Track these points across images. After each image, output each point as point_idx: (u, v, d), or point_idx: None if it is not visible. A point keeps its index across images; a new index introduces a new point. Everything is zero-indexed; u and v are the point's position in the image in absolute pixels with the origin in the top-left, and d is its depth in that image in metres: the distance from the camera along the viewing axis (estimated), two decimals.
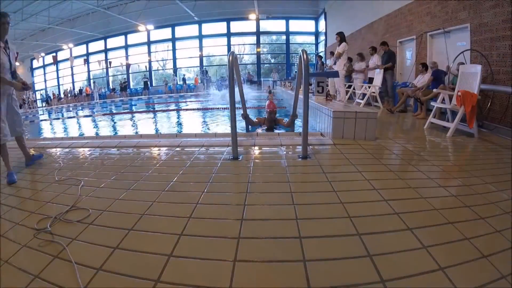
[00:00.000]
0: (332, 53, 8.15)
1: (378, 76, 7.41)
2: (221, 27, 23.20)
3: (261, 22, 22.72)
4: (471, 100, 3.82)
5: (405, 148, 3.26)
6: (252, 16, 21.13)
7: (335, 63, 7.07)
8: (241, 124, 4.60)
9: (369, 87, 7.55)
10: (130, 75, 25.79)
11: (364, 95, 7.76)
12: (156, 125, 7.80)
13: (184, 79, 23.70)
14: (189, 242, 1.46)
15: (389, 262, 1.27)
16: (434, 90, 4.91)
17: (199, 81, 23.04)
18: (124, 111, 12.20)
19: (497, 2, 4.70)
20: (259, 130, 5.13)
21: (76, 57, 24.91)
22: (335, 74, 6.51)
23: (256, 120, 5.10)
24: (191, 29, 23.52)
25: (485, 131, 4.41)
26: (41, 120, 11.69)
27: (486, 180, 2.24)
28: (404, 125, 5.05)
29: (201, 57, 24.09)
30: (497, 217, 1.68)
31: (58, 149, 3.81)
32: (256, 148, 3.22)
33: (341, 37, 6.92)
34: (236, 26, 23.21)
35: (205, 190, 2.07)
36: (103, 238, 1.54)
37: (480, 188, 2.09)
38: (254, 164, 2.66)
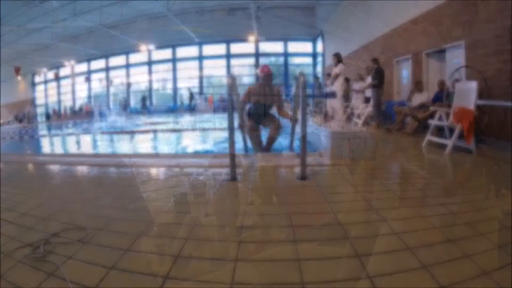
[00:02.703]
0: (328, 75, 8.28)
1: None
2: (221, 48, 23.71)
3: (260, 44, 23.25)
4: (468, 116, 3.86)
5: (403, 166, 3.27)
6: (251, 38, 21.67)
7: (332, 84, 7.18)
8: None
9: (366, 106, 7.64)
10: (131, 94, 26.06)
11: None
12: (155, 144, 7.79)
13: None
14: (186, 264, 1.44)
15: (389, 283, 1.25)
16: (431, 108, 4.95)
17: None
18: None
19: (490, 18, 4.81)
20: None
21: (77, 75, 25.26)
22: (333, 95, 6.60)
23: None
24: (192, 50, 24.03)
25: (483, 146, 4.42)
26: (41, 136, 11.69)
27: (486, 195, 2.24)
28: (402, 144, 5.07)
29: (201, 78, 24.45)
30: (498, 232, 1.67)
31: (57, 166, 3.81)
32: (255, 169, 3.22)
33: (338, 58, 7.07)
34: (235, 48, 23.73)
35: (203, 211, 2.06)
36: (99, 257, 1.51)
37: (479, 204, 2.08)
38: (253, 185, 2.66)
